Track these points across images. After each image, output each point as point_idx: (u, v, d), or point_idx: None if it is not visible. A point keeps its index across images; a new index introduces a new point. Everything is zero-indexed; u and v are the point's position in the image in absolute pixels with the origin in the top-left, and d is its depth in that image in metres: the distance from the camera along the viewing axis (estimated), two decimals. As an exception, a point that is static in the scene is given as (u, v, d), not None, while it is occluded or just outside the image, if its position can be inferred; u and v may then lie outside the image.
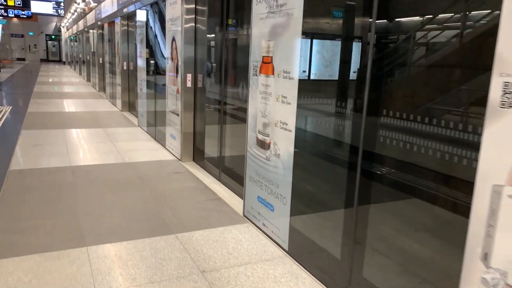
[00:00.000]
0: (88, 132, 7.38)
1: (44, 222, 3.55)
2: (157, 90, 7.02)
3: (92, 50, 16.60)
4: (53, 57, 43.50)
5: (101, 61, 14.61)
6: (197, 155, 5.71)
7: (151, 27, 7.32)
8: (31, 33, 40.05)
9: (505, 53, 1.57)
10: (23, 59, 39.74)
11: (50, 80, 19.71)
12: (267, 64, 3.32)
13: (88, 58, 19.34)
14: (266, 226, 3.43)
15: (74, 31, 25.99)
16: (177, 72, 5.66)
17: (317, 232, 3.02)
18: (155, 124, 7.10)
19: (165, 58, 6.43)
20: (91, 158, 5.66)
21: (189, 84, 5.54)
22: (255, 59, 3.50)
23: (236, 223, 3.70)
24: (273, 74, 3.23)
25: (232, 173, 4.73)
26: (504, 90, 1.57)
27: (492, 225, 1.63)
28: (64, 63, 40.22)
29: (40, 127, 7.67)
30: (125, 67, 9.98)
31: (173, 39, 5.75)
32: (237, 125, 4.84)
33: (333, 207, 2.94)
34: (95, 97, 13.15)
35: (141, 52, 7.70)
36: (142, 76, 7.74)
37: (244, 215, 3.82)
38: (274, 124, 3.23)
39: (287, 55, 3.00)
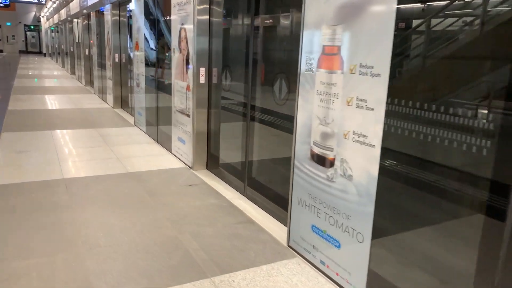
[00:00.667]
0: (79, 134, 6.50)
1: (36, 262, 2.73)
2: (158, 85, 6.17)
3: (77, 41, 15.51)
4: (33, 49, 41.78)
5: (87, 53, 13.59)
6: (212, 162, 4.92)
7: (150, 14, 6.44)
8: (8, 23, 38.26)
9: None
10: (1, 51, 38.01)
11: (31, 73, 18.53)
12: (330, 56, 2.54)
13: (72, 50, 18.21)
14: (327, 265, 2.67)
15: (56, 21, 24.66)
16: (187, 66, 4.83)
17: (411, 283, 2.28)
18: (157, 124, 6.25)
19: (168, 49, 5.59)
20: (87, 168, 4.80)
21: (202, 79, 4.72)
22: (309, 49, 2.72)
23: (283, 257, 2.93)
24: (341, 69, 2.46)
25: (263, 188, 3.95)
26: None
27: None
28: (44, 54, 38.62)
29: (24, 128, 6.75)
30: (116, 60, 9.06)
31: (182, 27, 4.91)
32: (267, 130, 4.07)
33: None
34: (82, 92, 12.17)
35: (138, 43, 6.82)
36: (139, 69, 6.86)
37: (290, 246, 3.06)
38: (343, 135, 2.47)
39: (369, 44, 2.23)
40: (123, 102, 9.28)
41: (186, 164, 5.07)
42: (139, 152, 5.64)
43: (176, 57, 5.16)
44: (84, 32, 13.46)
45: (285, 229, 3.28)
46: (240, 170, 4.32)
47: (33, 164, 4.81)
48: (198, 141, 4.86)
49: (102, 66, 10.67)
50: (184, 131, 5.08)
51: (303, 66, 2.79)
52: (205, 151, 4.93)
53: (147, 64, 6.58)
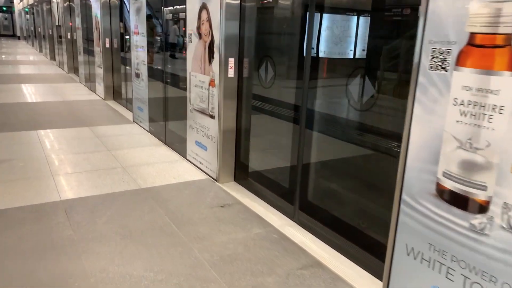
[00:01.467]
0: (71, 134, 5.51)
1: None
2: (166, 77, 5.20)
3: (57, 23, 14.21)
4: (6, 32, 39.67)
5: (69, 37, 12.39)
6: (240, 173, 4.05)
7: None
8: (-21, 5, 35.99)
9: None
10: (-29, 34, 35.85)
11: (4, 57, 17.11)
12: (487, 49, 1.68)
13: (50, 33, 16.85)
14: None
15: (30, 2, 23.00)
16: (209, 56, 3.91)
17: None
18: (165, 122, 5.31)
19: (171, 34, 4.64)
20: (90, 184, 3.87)
21: (231, 73, 3.81)
22: (439, 37, 1.85)
23: (388, 329, 2.12)
24: (509, 69, 1.61)
25: (324, 213, 3.11)
26: None
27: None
28: (19, 38, 36.60)
29: (3, 128, 5.72)
30: (107, 45, 8.00)
31: (203, 7, 3.96)
32: (335, 151, 3.21)
33: None
34: (66, 80, 11.02)
35: (138, 26, 5.81)
36: (139, 57, 5.87)
37: (389, 308, 2.25)
38: (510, 168, 1.63)
39: None
40: (115, 93, 8.25)
41: (208, 174, 4.18)
42: (147, 157, 4.71)
43: (193, 45, 4.21)
44: (66, 14, 12.24)
45: (372, 278, 2.47)
46: (287, 188, 3.46)
47: (19, 181, 3.85)
48: (225, 148, 3.97)
49: (88, 51, 9.56)
50: (205, 135, 4.17)
51: (424, 61, 1.93)
52: (233, 160, 4.05)
53: (160, 51, 5.60)
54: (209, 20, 3.88)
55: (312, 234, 3.05)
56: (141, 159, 4.65)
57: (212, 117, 4.01)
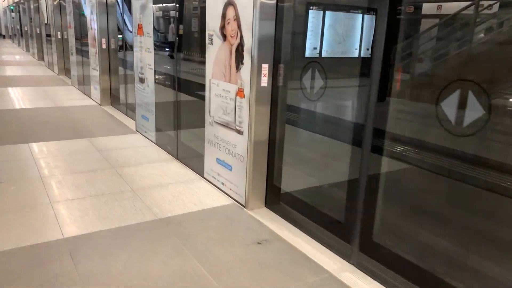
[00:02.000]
0: (68, 148, 4.87)
1: None
2: (179, 83, 4.58)
3: (46, 22, 13.45)
4: (-10, 30, 38.42)
5: (60, 36, 11.65)
6: (272, 197, 3.47)
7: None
8: (-38, 2, 34.74)
9: None
10: (-46, 33, 34.66)
11: (-9, 58, 16.27)
12: None
13: (38, 32, 16.04)
14: None
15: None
16: (237, 61, 3.31)
17: None
18: (177, 133, 4.70)
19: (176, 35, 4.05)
20: (97, 215, 3.25)
21: (264, 81, 3.22)
22: None
23: None
24: None
25: (394, 257, 2.54)
26: None
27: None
28: (4, 36, 35.47)
29: (-9, 140, 5.06)
30: (104, 46, 7.34)
31: (229, 3, 3.36)
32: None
33: None
34: (57, 83, 10.29)
35: (142, 26, 5.18)
36: (145, 60, 5.24)
37: None
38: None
39: None
40: (113, 97, 7.59)
41: (234, 199, 3.59)
42: (158, 176, 4.09)
43: (215, 48, 3.61)
44: (56, 12, 11.50)
45: None
46: (339, 220, 2.88)
47: (11, 212, 3.21)
48: (256, 169, 3.38)
49: (82, 52, 8.87)
50: (230, 152, 3.57)
51: None
52: (264, 182, 3.47)
53: (172, 53, 4.98)
54: (237, 19, 3.28)
55: (379, 282, 2.48)
56: (152, 178, 4.04)
57: (239, 132, 3.42)
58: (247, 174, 3.38)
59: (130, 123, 6.28)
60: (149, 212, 3.29)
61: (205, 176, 4.07)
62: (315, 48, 3.12)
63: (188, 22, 4.48)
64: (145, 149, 5.02)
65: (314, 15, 3.12)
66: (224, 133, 3.63)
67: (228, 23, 3.40)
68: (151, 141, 5.32)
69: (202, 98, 3.98)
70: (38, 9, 15.45)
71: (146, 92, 5.30)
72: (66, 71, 11.72)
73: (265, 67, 3.19)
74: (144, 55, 5.20)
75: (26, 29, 20.49)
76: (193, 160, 4.36)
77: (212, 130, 3.84)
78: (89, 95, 8.39)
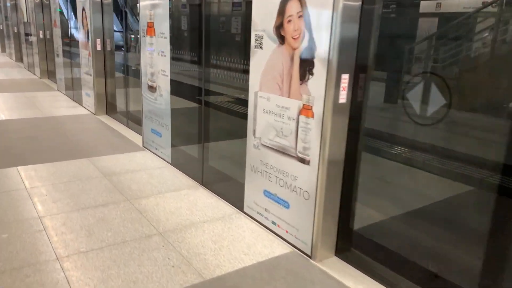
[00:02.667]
0: (66, 172, 4.01)
1: None
2: (206, 95, 3.78)
3: (25, 20, 12.37)
4: (-38, 29, 36.47)
5: (42, 36, 10.64)
6: (344, 243, 2.73)
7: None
8: None
9: None
10: None
11: (-36, 60, 15.04)
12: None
13: (16, 31, 14.89)
14: None
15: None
16: (303, 70, 2.55)
17: None
18: (203, 154, 3.90)
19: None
20: (122, 276, 2.44)
21: (342, 97, 2.47)
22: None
23: None
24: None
25: None
26: None
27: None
28: (-23, 36, 33.67)
29: (-30, 164, 4.16)
30: (99, 47, 6.45)
31: (291, -4, 2.59)
32: None
33: None
34: (40, 88, 9.30)
35: (153, 25, 4.35)
36: (156, 66, 4.41)
37: None
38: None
39: None
40: (109, 106, 6.71)
41: (293, 245, 2.83)
42: (186, 211, 3.30)
43: (267, 53, 2.84)
44: (37, 11, 10.49)
45: None
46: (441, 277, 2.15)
47: (5, 273, 2.37)
48: (327, 210, 2.63)
49: (70, 54, 7.94)
50: (287, 185, 2.81)
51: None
52: (336, 226, 2.72)
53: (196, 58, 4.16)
54: (303, 16, 2.51)
55: None
56: (180, 215, 3.24)
57: (303, 161, 2.65)
58: (315, 215, 2.62)
59: (133, 136, 5.44)
60: (191, 270, 2.50)
61: (245, 210, 3.29)
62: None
63: (221, 18, 3.68)
64: (160, 171, 4.20)
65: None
66: (278, 160, 2.86)
67: (289, 21, 2.63)
68: (165, 160, 4.50)
69: (239, 114, 3.21)
70: (15, 7, 14.31)
71: (159, 103, 4.47)
72: (49, 73, 10.72)
73: (345, 79, 2.44)
74: (157, 59, 4.37)
75: (1, 28, 19.19)
76: (225, 187, 3.58)
77: (257, 155, 3.06)
78: (80, 103, 7.47)
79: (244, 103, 3.14)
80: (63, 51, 8.32)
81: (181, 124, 4.25)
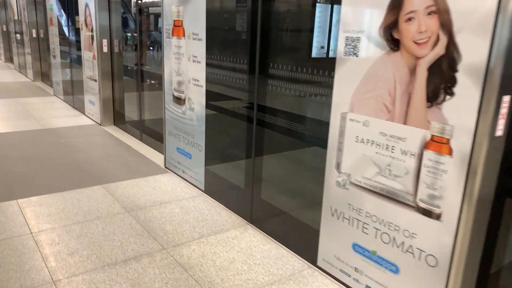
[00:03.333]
0: (80, 207, 3.23)
1: None
2: (261, 112, 3.00)
3: (16, 18, 11.46)
4: None
5: (35, 35, 9.77)
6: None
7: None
8: None
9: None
10: None
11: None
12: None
13: (5, 29, 13.95)
14: None
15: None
16: (437, 88, 1.82)
17: None
18: (252, 186, 3.14)
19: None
20: None
21: (500, 128, 1.72)
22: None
23: None
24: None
25: None
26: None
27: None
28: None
29: (-42, 197, 3.35)
30: (105, 49, 5.64)
31: (416, -17, 1.84)
32: None
33: None
34: (35, 92, 8.45)
35: (182, 23, 3.57)
36: (186, 73, 3.62)
37: None
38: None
39: None
40: (117, 115, 5.91)
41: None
42: (243, 265, 2.54)
43: (367, 62, 2.09)
44: (29, 7, 9.62)
45: None
46: None
47: None
48: (466, 281, 1.89)
49: (68, 56, 7.11)
50: (396, 243, 2.07)
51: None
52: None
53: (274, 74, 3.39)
54: (439, 13, 1.76)
55: None
56: (236, 272, 2.47)
57: (428, 214, 1.91)
58: (446, 289, 1.88)
59: (151, 153, 4.66)
60: None
61: (320, 264, 2.54)
62: None
63: (285, 15, 2.91)
64: (194, 203, 3.43)
65: None
66: (381, 208, 2.12)
67: (411, 19, 1.88)
68: (196, 187, 3.73)
69: (303, 137, 2.46)
70: (5, 4, 13.38)
71: (188, 118, 3.69)
72: (43, 76, 9.86)
73: (506, 102, 1.70)
74: (186, 65, 3.59)
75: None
76: (285, 231, 2.82)
77: (343, 196, 2.31)
78: (81, 110, 6.65)
79: (314, 126, 2.40)
80: (61, 52, 7.47)
81: (221, 145, 3.48)
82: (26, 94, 8.08)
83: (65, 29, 7.14)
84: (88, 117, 6.29)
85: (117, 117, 5.89)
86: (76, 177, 3.85)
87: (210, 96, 3.40)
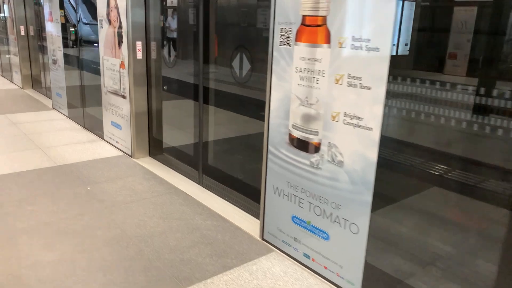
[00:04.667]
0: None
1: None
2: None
3: (2, 14, 9.69)
4: None
5: (23, 33, 8.11)
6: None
7: None
8: None
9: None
10: None
11: None
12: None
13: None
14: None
15: None
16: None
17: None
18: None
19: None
20: None
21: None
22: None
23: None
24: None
25: None
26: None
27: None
28: None
29: None
30: (139, 55, 4.09)
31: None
32: None
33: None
34: (27, 106, 6.78)
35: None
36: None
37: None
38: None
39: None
40: (152, 142, 4.37)
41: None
42: None
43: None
44: (17, 1, 7.95)
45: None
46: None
47: None
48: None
49: (76, 61, 5.52)
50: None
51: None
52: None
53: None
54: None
55: None
56: None
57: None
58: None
59: (223, 208, 3.19)
60: None
61: None
62: None
63: None
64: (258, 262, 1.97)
65: None
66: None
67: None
68: (329, 282, 2.28)
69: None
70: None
71: (325, 175, 2.23)
72: (35, 82, 8.20)
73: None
74: (331, 91, 2.14)
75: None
76: None
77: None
78: (96, 132, 5.07)
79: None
80: (65, 55, 5.84)
81: (397, 230, 2.05)
82: (18, 108, 6.42)
83: (70, 27, 5.53)
84: (110, 143, 4.71)
85: (154, 146, 4.35)
86: (131, 271, 2.34)
87: (389, 146, 1.96)
